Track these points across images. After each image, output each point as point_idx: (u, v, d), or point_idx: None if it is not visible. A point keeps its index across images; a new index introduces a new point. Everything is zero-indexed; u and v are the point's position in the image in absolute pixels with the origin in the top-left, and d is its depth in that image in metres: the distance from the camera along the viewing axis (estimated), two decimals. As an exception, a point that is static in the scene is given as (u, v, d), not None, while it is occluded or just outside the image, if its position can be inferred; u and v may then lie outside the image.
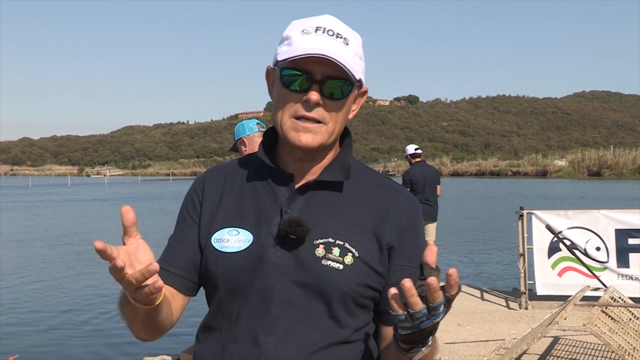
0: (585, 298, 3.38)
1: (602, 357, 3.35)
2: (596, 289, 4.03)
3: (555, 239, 4.73)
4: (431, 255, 0.67)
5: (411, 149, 5.89)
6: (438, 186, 5.79)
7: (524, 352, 3.06)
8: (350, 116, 0.85)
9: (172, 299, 0.82)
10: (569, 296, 3.60)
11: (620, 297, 3.40)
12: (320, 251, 0.78)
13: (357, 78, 0.80)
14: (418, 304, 0.65)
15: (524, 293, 4.85)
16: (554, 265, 4.83)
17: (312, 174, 0.84)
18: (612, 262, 4.72)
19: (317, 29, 0.79)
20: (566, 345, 3.60)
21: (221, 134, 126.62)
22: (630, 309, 3.27)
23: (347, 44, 0.79)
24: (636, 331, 3.08)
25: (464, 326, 4.21)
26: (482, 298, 5.25)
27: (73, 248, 10.28)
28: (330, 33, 0.79)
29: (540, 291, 4.84)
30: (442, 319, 0.68)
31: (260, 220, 0.82)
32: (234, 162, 0.91)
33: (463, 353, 3.59)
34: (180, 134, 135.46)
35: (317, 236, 0.79)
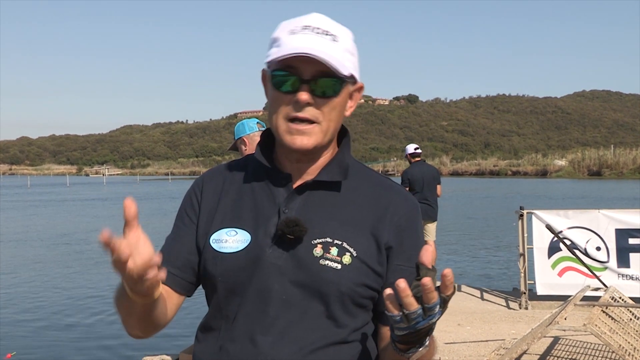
0: (585, 298, 3.37)
1: (602, 357, 3.35)
2: (596, 289, 4.02)
3: (556, 238, 4.72)
4: (427, 255, 0.67)
5: (411, 148, 5.88)
6: (438, 186, 5.77)
7: (524, 352, 3.05)
8: (347, 113, 0.85)
9: (167, 297, 0.83)
10: (569, 296, 3.60)
11: (620, 297, 3.39)
12: (318, 251, 0.78)
13: (348, 74, 0.79)
14: (413, 305, 0.65)
15: (524, 293, 4.84)
16: (554, 265, 4.83)
17: (310, 174, 0.84)
18: (613, 262, 4.72)
19: (304, 27, 0.78)
20: (566, 345, 3.60)
21: (220, 133, 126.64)
22: (630, 309, 3.26)
23: (335, 41, 0.79)
24: (636, 331, 3.07)
25: (463, 326, 4.20)
26: (482, 298, 5.25)
27: (72, 247, 10.28)
28: (318, 31, 0.78)
29: (540, 291, 4.83)
30: (438, 319, 0.68)
31: (258, 220, 0.82)
32: (233, 163, 0.92)
33: (463, 353, 3.59)
34: (179, 133, 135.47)
35: (315, 236, 0.79)
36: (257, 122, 2.45)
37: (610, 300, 3.26)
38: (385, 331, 0.82)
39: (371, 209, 0.82)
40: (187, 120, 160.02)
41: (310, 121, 0.79)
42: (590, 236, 4.77)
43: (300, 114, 0.78)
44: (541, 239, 4.83)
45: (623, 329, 3.02)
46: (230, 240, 0.82)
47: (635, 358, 2.76)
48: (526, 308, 4.79)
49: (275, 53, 0.78)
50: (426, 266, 0.67)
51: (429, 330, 0.69)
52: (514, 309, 4.80)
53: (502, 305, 4.97)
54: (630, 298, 3.63)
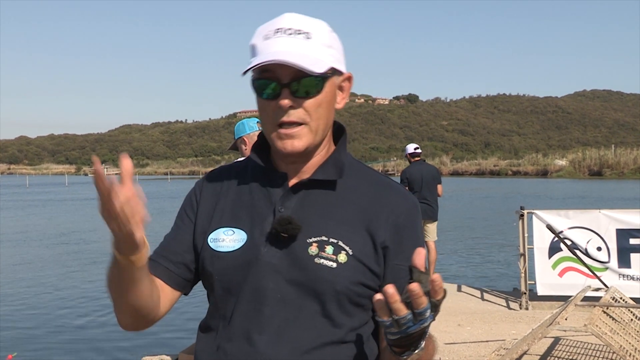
0: (586, 298, 3.37)
1: (603, 357, 3.34)
2: (597, 289, 4.01)
3: (556, 238, 4.71)
4: (420, 258, 0.67)
5: (411, 148, 5.88)
6: (439, 185, 5.76)
7: (525, 353, 3.05)
8: (339, 106, 0.85)
9: (161, 291, 0.84)
10: (570, 296, 3.59)
11: (621, 298, 3.39)
12: (313, 249, 0.78)
13: (326, 69, 0.78)
14: (402, 310, 0.65)
15: (525, 293, 4.83)
16: (554, 266, 4.82)
17: (306, 173, 0.84)
18: (613, 262, 4.71)
19: (276, 31, 0.79)
20: (567, 345, 3.59)
21: (219, 132, 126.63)
22: (631, 309, 3.26)
23: (309, 38, 0.78)
24: (637, 332, 3.06)
25: (464, 326, 4.20)
26: (482, 298, 5.24)
27: (71, 247, 10.28)
28: (290, 32, 0.78)
29: (540, 291, 4.83)
30: (430, 323, 0.67)
31: (255, 219, 0.82)
32: (234, 165, 0.93)
33: (463, 353, 3.58)
34: (179, 132, 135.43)
35: (310, 234, 0.79)
36: (257, 122, 2.45)
37: (611, 300, 3.25)
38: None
39: (368, 208, 0.82)
40: (186, 120, 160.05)
41: (298, 123, 0.79)
42: (591, 236, 4.76)
43: (286, 119, 0.79)
44: (542, 239, 4.82)
45: (624, 329, 3.01)
46: (227, 239, 0.82)
47: (636, 359, 2.75)
48: (527, 308, 4.79)
49: (252, 62, 0.78)
50: (419, 269, 0.66)
51: (422, 334, 0.69)
52: (514, 310, 4.80)
53: (502, 305, 4.97)
54: (631, 298, 3.62)
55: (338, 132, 0.88)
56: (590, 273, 4.59)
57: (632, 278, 4.66)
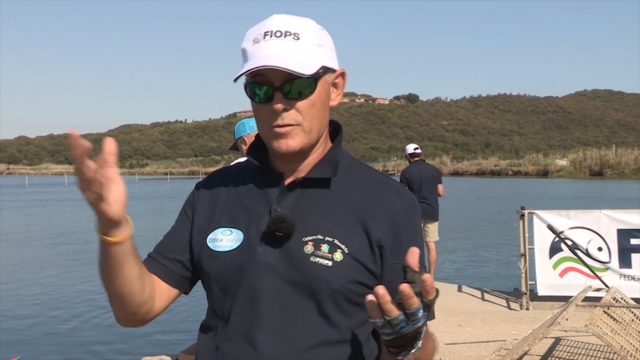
0: (587, 299, 3.36)
1: (604, 358, 3.34)
2: (598, 290, 4.01)
3: (557, 239, 4.71)
4: (413, 258, 0.66)
5: (410, 148, 5.88)
6: (439, 185, 5.75)
7: (525, 353, 3.04)
8: (334, 103, 0.85)
9: (156, 287, 0.85)
10: (571, 297, 3.58)
11: (622, 298, 3.38)
12: (309, 248, 0.78)
13: (317, 69, 0.78)
14: (393, 311, 0.65)
15: (525, 293, 4.83)
16: (555, 266, 4.81)
17: (302, 171, 0.84)
18: (614, 263, 4.70)
19: (265, 34, 0.79)
20: (568, 346, 3.59)
21: (219, 132, 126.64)
22: (632, 309, 3.25)
23: (297, 39, 0.79)
24: (638, 332, 3.06)
25: (464, 327, 4.19)
26: (482, 298, 5.23)
27: (70, 247, 10.26)
28: (279, 34, 0.79)
29: (541, 292, 4.82)
30: (424, 323, 0.67)
31: (252, 219, 0.83)
32: (233, 166, 0.94)
33: (464, 354, 3.58)
34: (178, 132, 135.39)
35: (306, 233, 0.79)
36: (257, 122, 2.44)
37: (612, 301, 3.25)
38: None
39: (365, 206, 0.81)
40: (186, 120, 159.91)
41: (291, 125, 0.80)
42: (591, 236, 4.75)
43: (280, 122, 0.79)
44: (542, 239, 4.81)
45: (625, 329, 3.01)
46: (225, 239, 0.83)
47: (637, 359, 2.74)
48: (527, 309, 4.78)
49: (243, 67, 0.79)
50: (412, 269, 0.66)
51: (417, 334, 0.68)
52: (515, 310, 4.79)
53: (503, 305, 4.96)
54: (632, 299, 3.62)
55: (335, 130, 0.89)
56: (591, 273, 4.59)
57: (633, 278, 4.66)
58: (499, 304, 5.00)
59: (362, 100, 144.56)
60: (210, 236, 0.84)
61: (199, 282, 0.90)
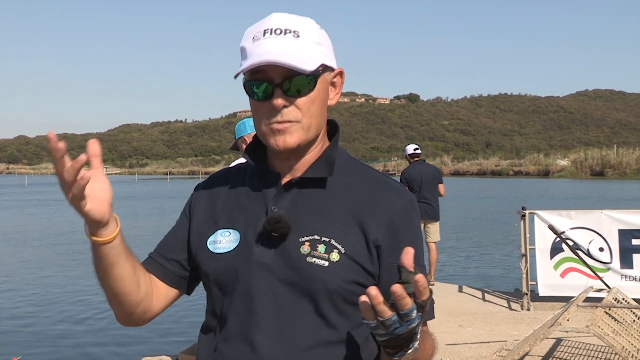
0: (588, 299, 3.36)
1: (605, 359, 3.33)
2: (599, 290, 4.00)
3: (558, 239, 4.70)
4: (408, 258, 0.66)
5: (410, 149, 5.89)
6: (440, 185, 5.74)
7: (526, 354, 3.03)
8: (332, 102, 0.85)
9: (154, 287, 0.86)
10: (572, 297, 3.58)
11: (623, 299, 3.37)
12: (305, 248, 0.78)
13: (317, 67, 0.78)
14: (386, 312, 0.64)
15: (526, 294, 4.82)
16: (556, 266, 4.80)
17: (299, 171, 0.84)
18: (616, 263, 4.69)
19: (265, 32, 0.79)
20: (569, 346, 3.58)
21: (219, 132, 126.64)
22: (633, 310, 3.24)
23: (297, 37, 0.79)
24: (640, 333, 3.05)
25: (465, 327, 4.18)
26: (483, 299, 5.22)
27: (70, 247, 10.27)
28: (278, 32, 0.79)
29: (542, 292, 4.81)
30: (419, 324, 0.66)
31: (249, 220, 0.83)
32: (233, 167, 0.94)
33: (464, 354, 3.57)
34: (178, 132, 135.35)
35: (302, 233, 0.79)
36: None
37: (613, 301, 3.24)
38: None
39: (362, 205, 0.81)
40: (186, 119, 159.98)
41: (290, 122, 0.79)
42: (593, 237, 4.74)
43: (279, 118, 0.79)
44: (543, 239, 4.80)
45: (626, 330, 3.00)
46: (224, 240, 0.83)
47: (638, 359, 2.74)
48: (528, 309, 4.77)
49: (242, 65, 0.79)
50: (407, 269, 0.65)
51: (412, 334, 0.68)
52: (515, 310, 4.78)
53: (503, 306, 4.95)
54: (634, 299, 3.61)
55: (333, 129, 0.89)
56: (592, 274, 4.58)
57: (635, 279, 4.64)
58: (499, 305, 5.00)
59: (363, 100, 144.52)
60: (211, 238, 0.84)
61: (201, 282, 0.90)
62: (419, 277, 0.64)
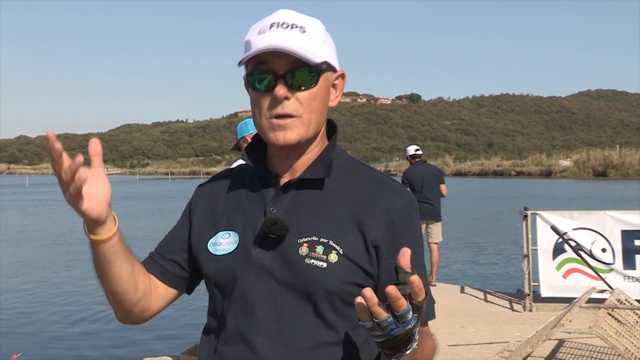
0: (591, 300, 3.34)
1: (608, 360, 3.31)
2: (602, 291, 3.99)
3: (560, 240, 4.68)
4: (405, 258, 0.65)
5: (412, 150, 5.91)
6: (442, 185, 5.73)
7: (529, 355, 3.02)
8: (333, 104, 0.84)
9: (153, 286, 0.87)
10: (574, 298, 3.56)
11: (626, 300, 3.36)
12: (303, 250, 0.78)
13: (321, 62, 0.79)
14: (381, 313, 0.64)
15: (528, 295, 4.80)
16: (558, 267, 4.79)
17: (298, 171, 0.84)
18: (618, 264, 4.67)
19: (271, 26, 0.79)
20: (571, 348, 3.56)
21: (220, 132, 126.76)
22: (636, 311, 3.22)
23: (304, 32, 0.79)
24: (643, 334, 3.03)
25: (467, 328, 4.17)
26: (485, 300, 5.21)
27: (71, 247, 10.28)
28: (285, 26, 0.78)
29: (544, 293, 4.79)
30: (414, 325, 0.66)
31: (248, 221, 0.83)
32: (234, 168, 0.94)
33: (466, 356, 3.56)
34: (179, 132, 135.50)
35: (301, 235, 0.79)
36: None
37: (616, 302, 3.22)
38: None
39: (360, 206, 0.80)
40: (187, 119, 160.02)
41: (291, 115, 0.78)
42: (595, 237, 4.72)
43: (280, 110, 0.78)
44: (546, 240, 4.79)
45: (629, 331, 2.99)
46: (224, 242, 0.83)
47: (642, 362, 2.72)
48: (530, 310, 4.75)
49: (245, 57, 0.78)
50: (404, 270, 0.65)
51: (410, 336, 0.67)
52: (518, 311, 4.76)
53: (505, 307, 4.93)
54: (636, 300, 3.59)
55: (331, 130, 0.88)
56: (594, 275, 4.56)
57: (637, 280, 4.62)
58: (501, 306, 4.98)
59: (364, 100, 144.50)
60: (212, 240, 0.84)
61: (202, 282, 0.90)
62: (414, 278, 0.63)
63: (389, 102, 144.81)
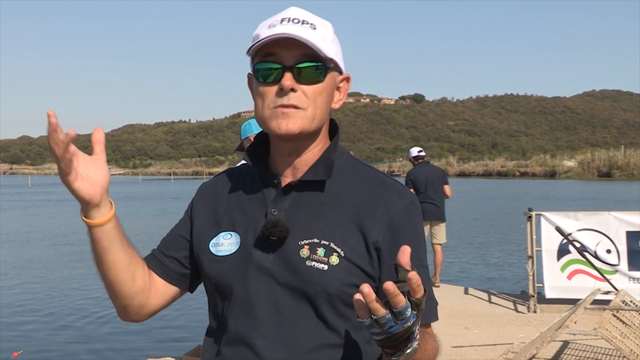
0: (595, 301, 3.32)
1: (613, 362, 3.29)
2: (607, 293, 3.95)
3: (565, 240, 4.65)
4: (405, 256, 0.65)
5: (414, 151, 5.94)
6: (446, 186, 5.73)
7: (533, 357, 3.00)
8: (337, 105, 0.84)
9: (153, 283, 0.87)
10: (579, 299, 3.54)
11: (631, 301, 3.33)
12: (304, 252, 0.77)
13: (330, 57, 0.79)
14: (379, 310, 0.63)
15: (533, 296, 4.78)
16: (563, 268, 4.76)
17: (299, 171, 0.83)
18: (623, 265, 4.65)
19: (282, 20, 0.79)
20: (576, 349, 3.55)
21: (223, 132, 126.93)
22: (642, 313, 3.20)
23: (314, 29, 0.79)
24: (649, 336, 3.01)
25: (471, 329, 4.16)
26: (489, 301, 5.19)
27: (74, 247, 10.31)
28: (296, 21, 0.79)
29: (549, 294, 4.77)
30: (413, 323, 0.65)
31: (250, 222, 0.83)
32: (238, 167, 0.95)
33: (470, 357, 3.54)
34: (182, 132, 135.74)
35: (302, 237, 0.78)
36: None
37: (621, 303, 3.20)
38: None
39: (362, 207, 0.80)
40: (189, 120, 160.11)
41: (296, 107, 0.78)
42: (600, 238, 4.69)
43: (286, 101, 0.77)
44: (550, 241, 4.76)
45: (634, 333, 2.97)
46: (226, 243, 0.83)
47: (648, 364, 2.70)
48: (535, 311, 4.73)
49: (255, 44, 0.78)
50: (404, 268, 0.64)
51: (410, 334, 0.66)
52: (522, 313, 4.74)
53: (510, 308, 4.91)
54: (642, 302, 3.56)
55: (333, 130, 0.88)
56: (599, 276, 4.53)
57: (643, 281, 4.59)
58: (506, 307, 4.96)
59: (368, 100, 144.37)
60: (213, 241, 0.84)
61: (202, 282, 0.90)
62: (412, 274, 0.63)
63: (392, 102, 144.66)
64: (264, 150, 0.87)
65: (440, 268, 5.79)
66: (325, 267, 0.76)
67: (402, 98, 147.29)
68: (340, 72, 0.83)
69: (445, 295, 5.14)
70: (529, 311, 4.76)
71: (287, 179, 0.83)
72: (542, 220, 4.81)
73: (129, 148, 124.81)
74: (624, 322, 3.00)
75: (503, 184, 38.35)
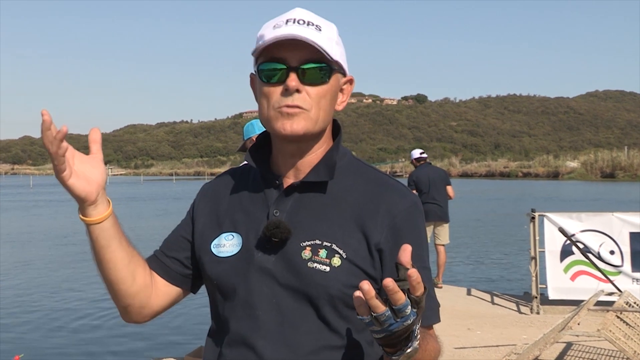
0: (599, 303, 3.32)
1: (616, 364, 3.27)
2: (610, 294, 3.94)
3: (568, 242, 4.64)
4: (405, 255, 0.64)
5: (416, 153, 5.97)
6: (449, 187, 5.73)
7: (536, 358, 2.99)
8: (339, 107, 0.84)
9: (154, 283, 0.87)
10: (582, 301, 3.53)
11: (635, 302, 3.33)
12: (306, 253, 0.77)
13: (335, 59, 0.79)
14: (379, 307, 0.63)
15: (536, 297, 4.77)
16: (566, 269, 4.75)
17: (301, 172, 0.83)
18: (627, 266, 4.63)
19: (287, 21, 0.79)
20: (579, 351, 3.53)
21: (225, 133, 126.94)
22: (646, 314, 3.18)
23: (319, 30, 0.79)
24: (652, 338, 2.99)
25: (473, 331, 4.15)
26: (492, 302, 5.18)
27: (75, 248, 10.32)
28: (301, 22, 0.79)
29: (552, 295, 4.76)
30: (414, 321, 0.65)
31: (251, 223, 0.83)
32: (237, 169, 0.93)
33: (473, 358, 3.54)
34: (184, 133, 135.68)
35: (303, 238, 0.78)
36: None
37: (624, 305, 3.19)
38: None
39: (363, 208, 0.80)
40: (191, 120, 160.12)
41: (300, 108, 0.78)
42: (603, 239, 4.68)
43: (290, 102, 0.78)
44: (553, 242, 4.75)
45: (638, 334, 2.96)
46: (228, 244, 0.83)
47: (652, 366, 2.68)
48: (538, 313, 4.72)
49: (261, 45, 0.79)
50: (405, 266, 0.64)
51: (410, 332, 0.66)
52: (525, 314, 4.73)
53: (513, 309, 4.90)
54: (646, 303, 3.54)
55: (335, 131, 0.88)
56: (603, 277, 4.51)
57: (647, 282, 4.57)
58: (508, 308, 4.95)
59: (370, 100, 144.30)
60: (215, 241, 0.84)
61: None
62: (412, 271, 0.62)
63: (395, 102, 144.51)
64: (267, 151, 0.87)
65: (443, 269, 5.78)
66: (327, 268, 0.76)
67: (405, 98, 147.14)
68: (344, 74, 0.84)
69: (448, 296, 5.13)
70: (531, 312, 4.75)
71: (289, 180, 0.83)
72: (545, 221, 4.80)
73: (131, 148, 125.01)
74: (627, 324, 2.99)
75: (506, 184, 38.26)
